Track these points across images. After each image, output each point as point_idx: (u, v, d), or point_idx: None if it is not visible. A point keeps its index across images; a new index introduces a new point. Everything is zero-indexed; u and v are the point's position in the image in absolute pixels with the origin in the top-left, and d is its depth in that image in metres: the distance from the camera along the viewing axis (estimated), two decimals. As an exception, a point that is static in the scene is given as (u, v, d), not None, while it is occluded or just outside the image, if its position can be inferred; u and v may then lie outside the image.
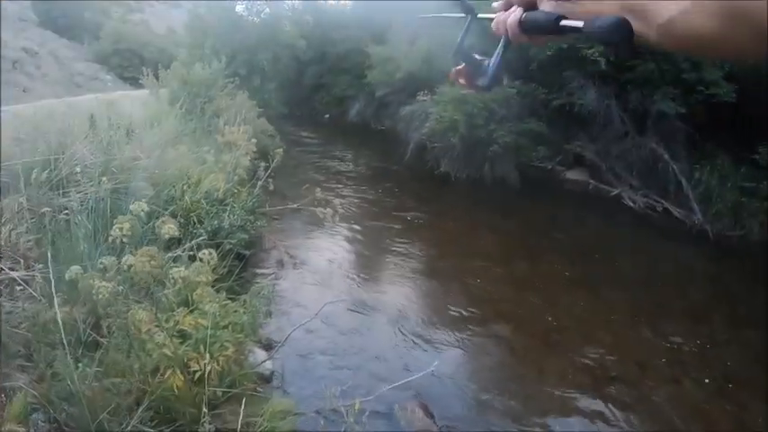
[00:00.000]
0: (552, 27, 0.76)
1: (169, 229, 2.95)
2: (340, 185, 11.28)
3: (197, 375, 3.26)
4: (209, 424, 3.02)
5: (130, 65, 22.01)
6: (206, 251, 3.28)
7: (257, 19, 18.44)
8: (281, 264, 7.10)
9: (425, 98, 12.23)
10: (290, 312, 5.92)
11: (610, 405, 4.93)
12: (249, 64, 15.75)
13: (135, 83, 13.23)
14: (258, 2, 18.86)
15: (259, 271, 6.72)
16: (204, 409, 3.07)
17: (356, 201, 10.43)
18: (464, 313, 6.46)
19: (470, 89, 1.00)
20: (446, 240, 9.12)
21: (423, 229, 9.36)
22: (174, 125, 8.20)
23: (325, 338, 5.57)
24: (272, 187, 7.39)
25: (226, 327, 3.72)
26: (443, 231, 9.51)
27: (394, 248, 8.28)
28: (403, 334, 5.86)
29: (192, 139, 8.18)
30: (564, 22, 0.73)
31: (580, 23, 0.67)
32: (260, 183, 7.24)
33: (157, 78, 10.43)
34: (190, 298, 3.65)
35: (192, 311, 3.56)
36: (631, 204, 11.91)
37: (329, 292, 6.53)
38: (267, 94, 15.75)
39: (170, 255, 4.01)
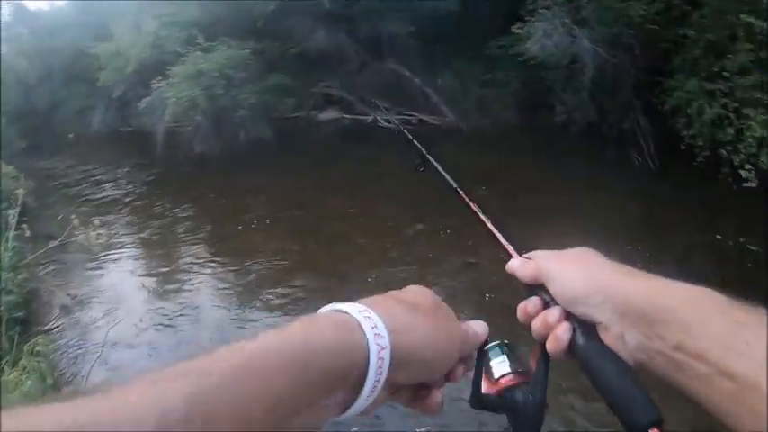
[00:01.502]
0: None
1: None
2: (102, 205, 10.65)
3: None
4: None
5: None
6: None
7: (-40, 49, 16.52)
8: (65, 309, 6.63)
9: (160, 84, 11.62)
10: (90, 351, 5.63)
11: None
12: (-34, 103, 14.00)
13: None
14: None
15: (45, 327, 6.22)
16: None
17: (120, 215, 9.99)
18: (251, 278, 6.79)
19: None
20: (214, 217, 9.18)
21: (191, 218, 9.24)
22: None
23: (137, 362, 5.36)
24: (28, 233, 6.88)
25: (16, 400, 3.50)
26: (207, 211, 9.48)
27: (174, 249, 8.16)
28: (214, 319, 6.03)
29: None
30: None
31: None
32: (11, 234, 6.60)
33: None
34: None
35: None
36: (388, 125, 12.44)
37: (122, 314, 6.32)
38: (-3, 131, 14.14)
39: None
